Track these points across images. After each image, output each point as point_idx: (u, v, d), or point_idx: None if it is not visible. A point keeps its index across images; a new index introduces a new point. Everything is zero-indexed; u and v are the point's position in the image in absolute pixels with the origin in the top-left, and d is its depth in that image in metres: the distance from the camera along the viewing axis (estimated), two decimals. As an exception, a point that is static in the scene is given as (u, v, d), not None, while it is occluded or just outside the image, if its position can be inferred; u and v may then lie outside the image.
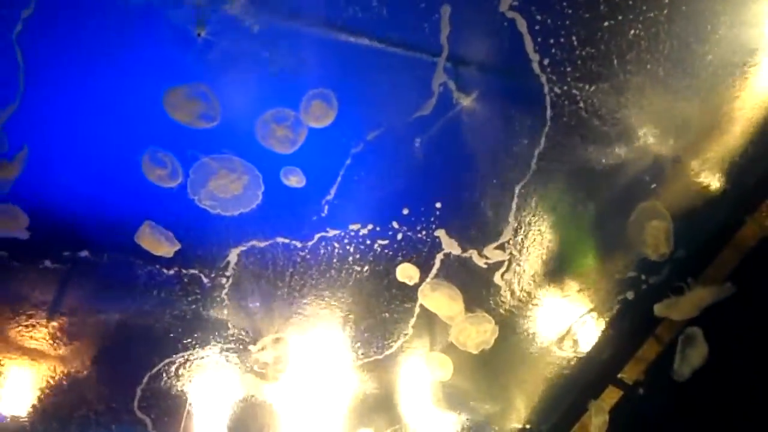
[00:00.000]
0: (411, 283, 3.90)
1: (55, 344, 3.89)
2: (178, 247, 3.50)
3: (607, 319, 4.25)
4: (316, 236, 3.61)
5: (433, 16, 2.97)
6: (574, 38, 3.03)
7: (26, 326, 3.77)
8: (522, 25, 3.00)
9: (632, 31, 3.01)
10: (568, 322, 4.25)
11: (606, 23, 2.98)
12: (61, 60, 2.94)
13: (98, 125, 3.15)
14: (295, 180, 3.40)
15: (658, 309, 3.89)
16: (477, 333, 3.93)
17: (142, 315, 3.84)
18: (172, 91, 3.10)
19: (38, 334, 3.81)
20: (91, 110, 3.11)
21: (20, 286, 3.60)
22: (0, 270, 3.49)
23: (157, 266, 3.61)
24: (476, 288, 3.92)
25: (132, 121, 3.16)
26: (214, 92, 3.13)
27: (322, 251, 3.68)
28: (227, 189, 3.30)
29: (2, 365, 3.93)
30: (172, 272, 3.64)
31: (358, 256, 3.74)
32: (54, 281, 3.59)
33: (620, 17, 2.95)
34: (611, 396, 4.51)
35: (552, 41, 3.04)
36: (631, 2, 2.92)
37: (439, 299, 3.86)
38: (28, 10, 2.76)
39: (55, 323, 3.77)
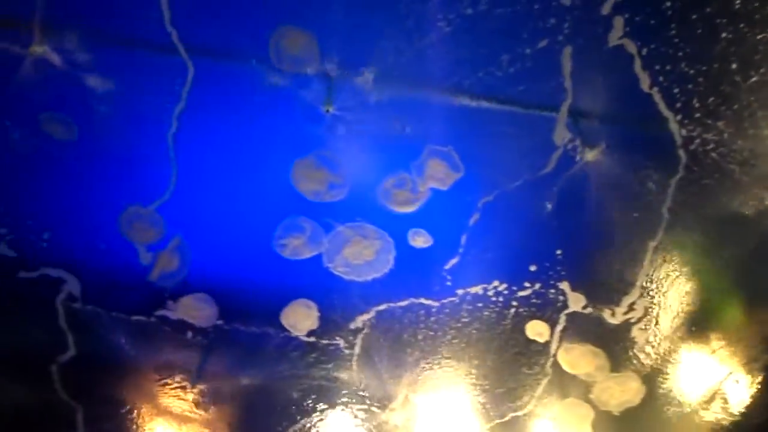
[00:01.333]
0: (542, 341, 3.80)
1: (197, 409, 4.08)
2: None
3: (760, 378, 3.90)
4: (445, 296, 3.62)
5: (553, 68, 2.99)
6: (697, 72, 2.94)
7: (173, 391, 3.99)
8: (638, 65, 2.95)
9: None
10: (715, 381, 3.94)
11: (730, 46, 2.86)
12: (206, 149, 3.21)
13: (237, 204, 3.37)
14: (421, 241, 3.46)
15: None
16: (621, 392, 3.74)
17: (275, 380, 3.96)
18: (300, 164, 3.27)
19: (183, 399, 4.02)
20: (230, 191, 3.34)
21: (168, 354, 3.83)
22: (150, 338, 3.74)
23: (291, 333, 3.73)
24: (612, 345, 3.75)
25: (266, 198, 3.36)
26: (340, 163, 3.27)
27: (450, 311, 3.68)
28: (361, 255, 3.40)
29: (151, 428, 4.16)
30: (305, 339, 3.75)
31: (486, 313, 3.70)
32: (197, 349, 3.80)
33: (749, 38, 2.82)
34: (769, 463, 4.09)
35: (674, 80, 2.98)
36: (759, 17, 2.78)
37: (577, 356, 3.72)
38: (180, 104, 3.05)
39: (198, 389, 3.97)
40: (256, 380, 3.92)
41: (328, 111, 3.13)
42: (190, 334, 3.72)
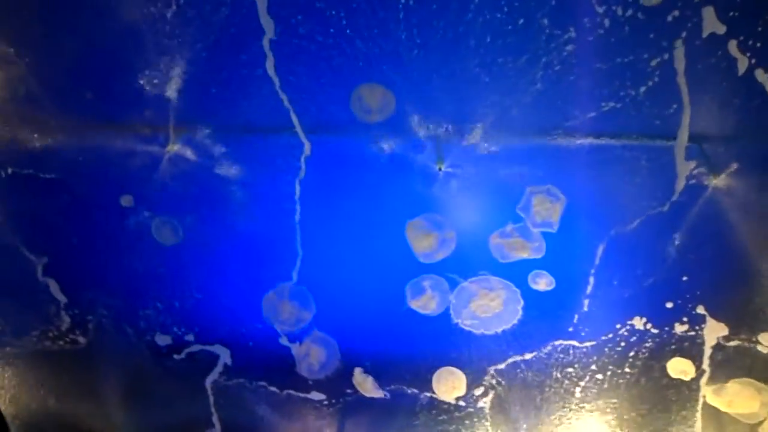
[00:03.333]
0: (687, 378, 3.55)
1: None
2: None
3: None
4: (576, 340, 3.50)
5: (668, 85, 2.88)
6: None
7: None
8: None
9: None
10: None
11: None
12: (328, 222, 3.36)
13: (361, 274, 3.48)
14: (544, 283, 3.38)
15: None
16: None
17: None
18: (415, 225, 3.32)
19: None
20: (354, 261, 3.46)
21: (308, 421, 3.90)
22: (292, 408, 3.83)
23: (428, 394, 3.71)
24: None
25: (389, 263, 3.44)
26: (453, 218, 3.30)
27: (583, 355, 3.54)
28: (488, 308, 3.37)
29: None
30: (440, 398, 3.72)
31: (623, 354, 3.53)
32: (336, 415, 3.85)
33: None
34: None
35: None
36: None
37: (734, 394, 3.44)
38: (299, 177, 3.22)
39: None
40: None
41: (440, 169, 3.19)
42: (327, 402, 3.80)
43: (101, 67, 2.99)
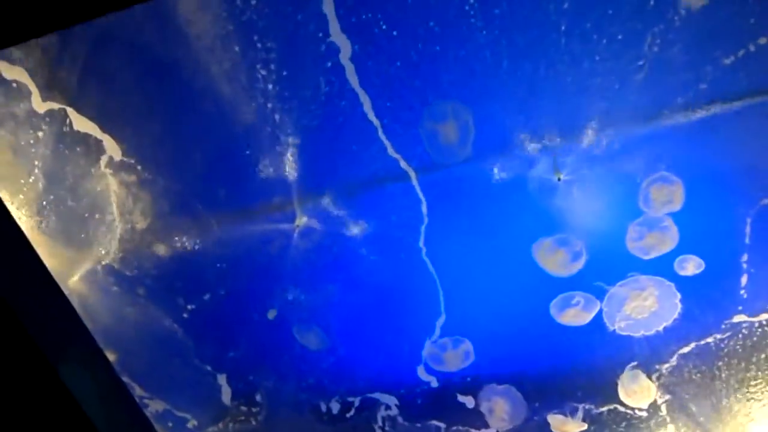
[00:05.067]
0: None
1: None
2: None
3: None
4: (749, 313, 3.28)
5: None
6: None
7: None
8: None
9: None
10: None
11: None
12: (457, 257, 3.36)
13: (505, 301, 3.45)
14: (692, 267, 3.20)
15: None
16: None
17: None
18: (540, 244, 3.25)
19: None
20: (494, 290, 3.43)
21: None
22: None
23: (588, 404, 3.62)
24: None
25: (531, 282, 3.37)
26: (580, 227, 3.20)
27: (755, 334, 3.31)
28: (643, 308, 3.25)
29: None
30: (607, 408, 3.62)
31: (802, 327, 3.27)
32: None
33: None
34: None
35: None
36: None
37: None
38: (423, 222, 3.26)
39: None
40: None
41: (559, 179, 3.12)
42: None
43: (226, 164, 3.18)
